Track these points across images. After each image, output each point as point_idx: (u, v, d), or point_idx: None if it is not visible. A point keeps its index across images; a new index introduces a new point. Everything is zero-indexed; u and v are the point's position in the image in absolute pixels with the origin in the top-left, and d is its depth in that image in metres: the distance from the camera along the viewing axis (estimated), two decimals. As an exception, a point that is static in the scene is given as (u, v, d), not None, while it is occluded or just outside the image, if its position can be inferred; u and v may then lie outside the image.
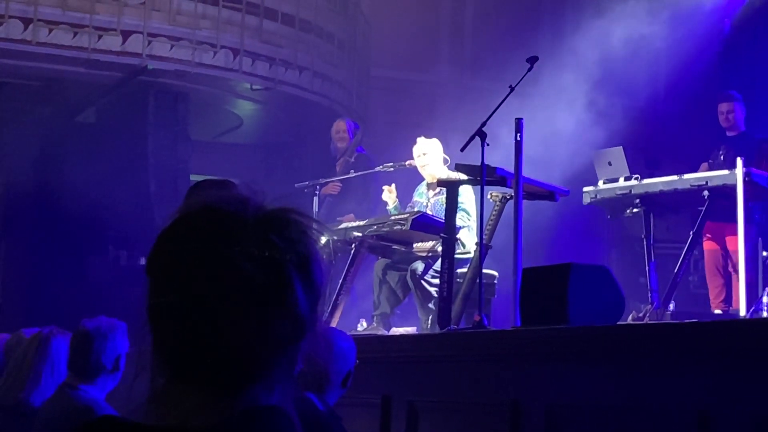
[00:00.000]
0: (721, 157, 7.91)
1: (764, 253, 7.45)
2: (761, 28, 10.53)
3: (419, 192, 7.65)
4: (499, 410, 4.35)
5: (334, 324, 6.74)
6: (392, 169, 7.74)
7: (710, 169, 7.59)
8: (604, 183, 7.59)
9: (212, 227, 1.36)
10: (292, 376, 1.40)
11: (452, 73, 13.40)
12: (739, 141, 7.98)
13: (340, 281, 7.04)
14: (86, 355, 4.20)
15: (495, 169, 6.01)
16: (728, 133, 8.17)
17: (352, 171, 8.33)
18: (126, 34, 9.66)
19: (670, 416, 3.60)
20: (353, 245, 7.13)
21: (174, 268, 1.36)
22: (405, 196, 7.79)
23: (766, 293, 6.85)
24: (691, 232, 7.35)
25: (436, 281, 6.62)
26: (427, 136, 7.60)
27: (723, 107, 8.20)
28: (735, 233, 7.35)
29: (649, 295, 7.38)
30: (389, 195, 7.57)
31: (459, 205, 6.74)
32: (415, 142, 7.60)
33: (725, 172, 6.99)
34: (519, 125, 5.82)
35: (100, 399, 4.22)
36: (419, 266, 7.07)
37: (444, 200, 6.68)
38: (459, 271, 6.59)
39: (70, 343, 4.35)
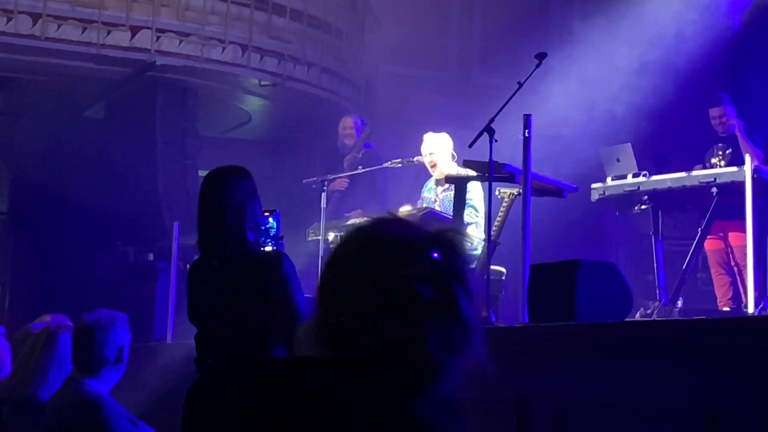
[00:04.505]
0: (719, 157, 7.87)
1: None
2: (771, 25, 10.50)
3: (428, 188, 7.65)
4: (506, 407, 4.35)
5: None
6: (400, 165, 7.74)
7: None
8: (613, 179, 7.58)
9: (388, 252, 1.52)
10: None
11: (461, 69, 13.38)
12: (732, 140, 7.92)
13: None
14: (88, 348, 4.20)
15: (503, 165, 6.00)
16: (720, 134, 8.11)
17: (360, 167, 8.32)
18: (135, 30, 9.66)
19: (677, 414, 3.59)
20: (361, 241, 7.12)
21: (356, 291, 1.51)
22: (414, 192, 7.78)
23: (774, 291, 6.85)
24: (699, 229, 7.34)
25: (444, 277, 6.60)
26: (436, 132, 7.59)
27: (714, 112, 8.03)
28: (737, 230, 7.33)
29: (657, 292, 7.37)
30: None
31: (467, 201, 6.74)
32: (423, 139, 7.60)
33: (734, 168, 6.97)
34: (527, 121, 5.80)
35: (105, 393, 4.23)
36: (427, 262, 7.05)
37: (453, 196, 6.68)
38: (467, 267, 6.57)
39: (72, 338, 4.35)
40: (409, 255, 1.50)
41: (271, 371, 1.58)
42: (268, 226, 4.44)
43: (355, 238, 1.56)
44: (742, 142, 7.78)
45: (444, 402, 1.54)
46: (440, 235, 1.55)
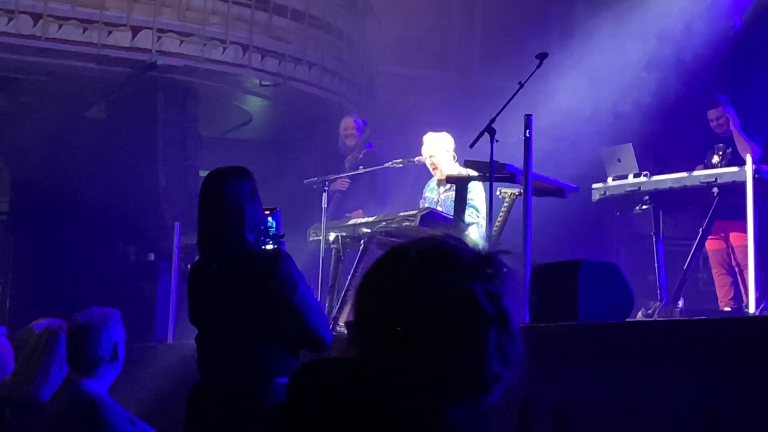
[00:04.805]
0: (719, 157, 7.87)
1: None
2: (771, 25, 10.49)
3: (430, 188, 7.65)
4: (507, 408, 4.35)
5: (342, 320, 6.74)
6: (401, 165, 7.73)
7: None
8: (614, 180, 7.58)
9: (450, 265, 1.59)
10: None
11: (461, 69, 13.39)
12: (732, 140, 7.91)
13: (349, 278, 7.04)
14: (82, 348, 4.20)
15: (504, 165, 6.00)
16: (720, 134, 8.09)
17: (361, 167, 8.32)
18: (135, 30, 9.67)
19: (678, 414, 3.59)
20: (362, 241, 7.13)
21: (418, 300, 1.57)
22: (415, 192, 7.77)
23: (775, 290, 6.84)
24: (700, 229, 7.33)
25: (445, 278, 6.59)
26: (436, 131, 7.59)
27: (712, 114, 8.00)
28: (738, 230, 7.33)
29: (658, 292, 7.37)
30: None
31: (468, 201, 6.73)
32: (423, 140, 7.59)
33: (735, 168, 6.96)
34: (528, 122, 5.80)
35: (103, 392, 4.23)
36: (428, 262, 7.04)
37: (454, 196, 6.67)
38: (467, 267, 6.56)
39: (66, 339, 4.35)
40: (469, 270, 1.59)
41: (314, 372, 1.62)
42: (267, 225, 4.43)
43: (411, 250, 1.62)
44: (738, 137, 7.78)
45: (474, 409, 1.62)
46: (489, 253, 1.64)
